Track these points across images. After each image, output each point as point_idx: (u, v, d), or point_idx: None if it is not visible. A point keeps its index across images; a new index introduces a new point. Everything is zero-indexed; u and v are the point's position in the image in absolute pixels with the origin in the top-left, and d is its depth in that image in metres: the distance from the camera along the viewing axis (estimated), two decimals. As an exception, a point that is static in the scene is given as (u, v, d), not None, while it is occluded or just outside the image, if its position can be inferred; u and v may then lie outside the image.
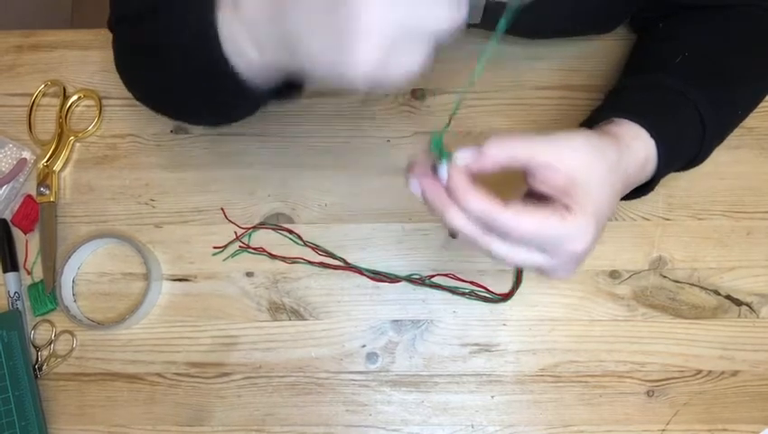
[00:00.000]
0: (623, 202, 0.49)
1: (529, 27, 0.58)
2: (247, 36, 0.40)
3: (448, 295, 0.59)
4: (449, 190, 0.39)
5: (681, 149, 0.48)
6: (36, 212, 0.62)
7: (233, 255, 0.61)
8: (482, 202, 0.38)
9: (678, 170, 0.51)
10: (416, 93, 0.64)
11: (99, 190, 0.64)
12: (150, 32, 0.47)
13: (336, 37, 0.34)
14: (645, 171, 0.46)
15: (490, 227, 0.39)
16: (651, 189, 0.48)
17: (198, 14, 0.41)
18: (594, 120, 0.48)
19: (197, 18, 0.41)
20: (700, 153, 0.50)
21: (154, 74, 0.51)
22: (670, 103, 0.47)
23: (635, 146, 0.44)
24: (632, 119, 0.45)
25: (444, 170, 0.39)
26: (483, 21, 0.55)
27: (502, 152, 0.39)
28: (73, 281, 0.62)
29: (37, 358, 0.60)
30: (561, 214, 0.38)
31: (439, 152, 0.39)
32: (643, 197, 0.50)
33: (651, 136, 0.45)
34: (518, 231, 0.38)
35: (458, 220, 0.39)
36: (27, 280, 0.62)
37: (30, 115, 0.65)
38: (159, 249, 0.62)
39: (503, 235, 0.39)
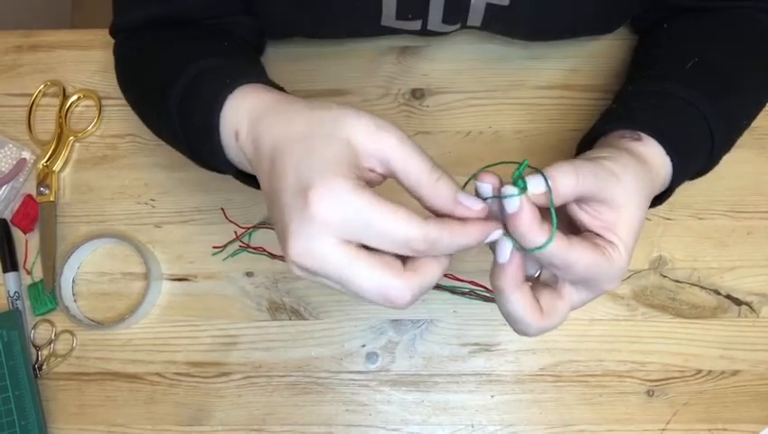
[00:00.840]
0: None
1: (531, 30, 0.58)
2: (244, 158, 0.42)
3: (448, 294, 0.59)
4: (516, 223, 0.35)
5: (692, 167, 0.48)
6: (36, 212, 0.62)
7: (233, 255, 0.61)
8: (557, 241, 0.35)
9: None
10: (416, 93, 0.64)
11: (99, 190, 0.63)
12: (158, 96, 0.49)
13: (280, 228, 0.35)
14: (657, 191, 0.46)
15: (547, 263, 0.37)
16: (659, 205, 0.48)
17: (207, 108, 0.42)
18: (610, 123, 0.47)
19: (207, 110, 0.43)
20: (706, 168, 0.50)
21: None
22: (684, 117, 0.47)
23: (661, 174, 0.44)
24: (657, 139, 0.44)
25: (514, 202, 0.35)
26: (483, 23, 0.55)
27: (576, 185, 0.36)
28: (73, 281, 0.62)
29: (37, 358, 0.60)
30: (607, 253, 0.38)
31: (520, 182, 0.35)
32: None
33: (672, 160, 0.44)
34: (575, 268, 0.37)
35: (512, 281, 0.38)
36: (27, 280, 0.62)
37: (29, 115, 0.65)
38: (159, 248, 0.62)
39: (558, 272, 0.38)
